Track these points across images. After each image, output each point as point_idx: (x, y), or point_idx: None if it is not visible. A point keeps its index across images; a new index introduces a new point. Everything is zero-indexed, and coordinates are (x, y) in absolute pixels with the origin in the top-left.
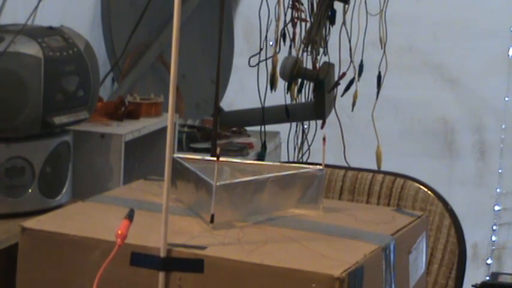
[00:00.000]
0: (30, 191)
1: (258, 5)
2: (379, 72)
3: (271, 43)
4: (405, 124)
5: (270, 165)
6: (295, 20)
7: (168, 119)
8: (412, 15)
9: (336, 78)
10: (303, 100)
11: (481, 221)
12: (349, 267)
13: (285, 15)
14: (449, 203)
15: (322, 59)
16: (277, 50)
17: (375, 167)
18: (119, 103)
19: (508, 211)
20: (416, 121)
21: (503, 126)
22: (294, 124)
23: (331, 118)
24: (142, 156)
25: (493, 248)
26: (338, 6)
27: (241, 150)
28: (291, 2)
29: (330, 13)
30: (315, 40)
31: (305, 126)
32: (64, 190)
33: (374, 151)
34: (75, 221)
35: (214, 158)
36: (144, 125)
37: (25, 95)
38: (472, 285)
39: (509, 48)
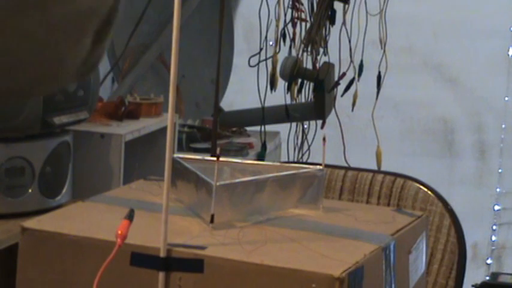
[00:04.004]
0: (30, 191)
1: (258, 5)
2: (379, 72)
3: (271, 43)
4: (405, 124)
5: (270, 165)
6: (295, 20)
7: (168, 119)
8: (412, 15)
9: (336, 78)
10: (303, 100)
11: (481, 220)
12: (349, 267)
13: (285, 15)
14: (449, 203)
15: (322, 59)
16: (277, 50)
17: (375, 167)
18: (118, 103)
19: (507, 211)
20: (416, 121)
21: (503, 126)
22: (294, 124)
23: (331, 118)
24: (142, 156)
25: (493, 248)
26: (338, 6)
27: (241, 150)
28: (291, 2)
29: (330, 13)
30: (315, 40)
31: (305, 126)
32: (64, 190)
33: (374, 151)
34: (75, 221)
35: (214, 158)
36: (144, 125)
37: None
38: (472, 285)
39: (509, 48)
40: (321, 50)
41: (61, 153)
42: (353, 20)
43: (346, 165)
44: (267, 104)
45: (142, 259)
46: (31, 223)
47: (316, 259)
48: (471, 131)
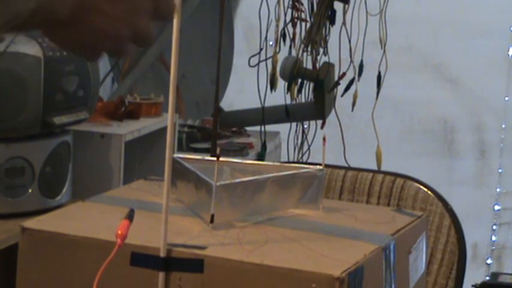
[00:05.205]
0: (30, 191)
1: (258, 5)
2: (379, 72)
3: (271, 43)
4: (405, 124)
5: (270, 165)
6: (295, 20)
7: (168, 119)
8: (412, 15)
9: (336, 78)
10: (303, 100)
11: (481, 220)
12: (349, 267)
13: (285, 15)
14: (449, 203)
15: (322, 59)
16: (277, 50)
17: (375, 167)
18: (118, 103)
19: (508, 211)
20: (416, 121)
21: (503, 126)
22: (294, 124)
23: (331, 118)
24: (142, 156)
25: (493, 248)
26: (338, 6)
27: (241, 150)
28: (291, 2)
29: (330, 13)
30: (315, 40)
31: (305, 126)
32: (64, 190)
33: (374, 151)
34: (75, 221)
35: (214, 158)
36: (144, 125)
37: (25, 95)
38: (472, 285)
39: (509, 48)
40: (321, 50)
41: (61, 153)
42: (353, 20)
43: (346, 165)
44: (267, 104)
45: (142, 259)
46: (31, 223)
47: (316, 259)
48: (471, 131)
